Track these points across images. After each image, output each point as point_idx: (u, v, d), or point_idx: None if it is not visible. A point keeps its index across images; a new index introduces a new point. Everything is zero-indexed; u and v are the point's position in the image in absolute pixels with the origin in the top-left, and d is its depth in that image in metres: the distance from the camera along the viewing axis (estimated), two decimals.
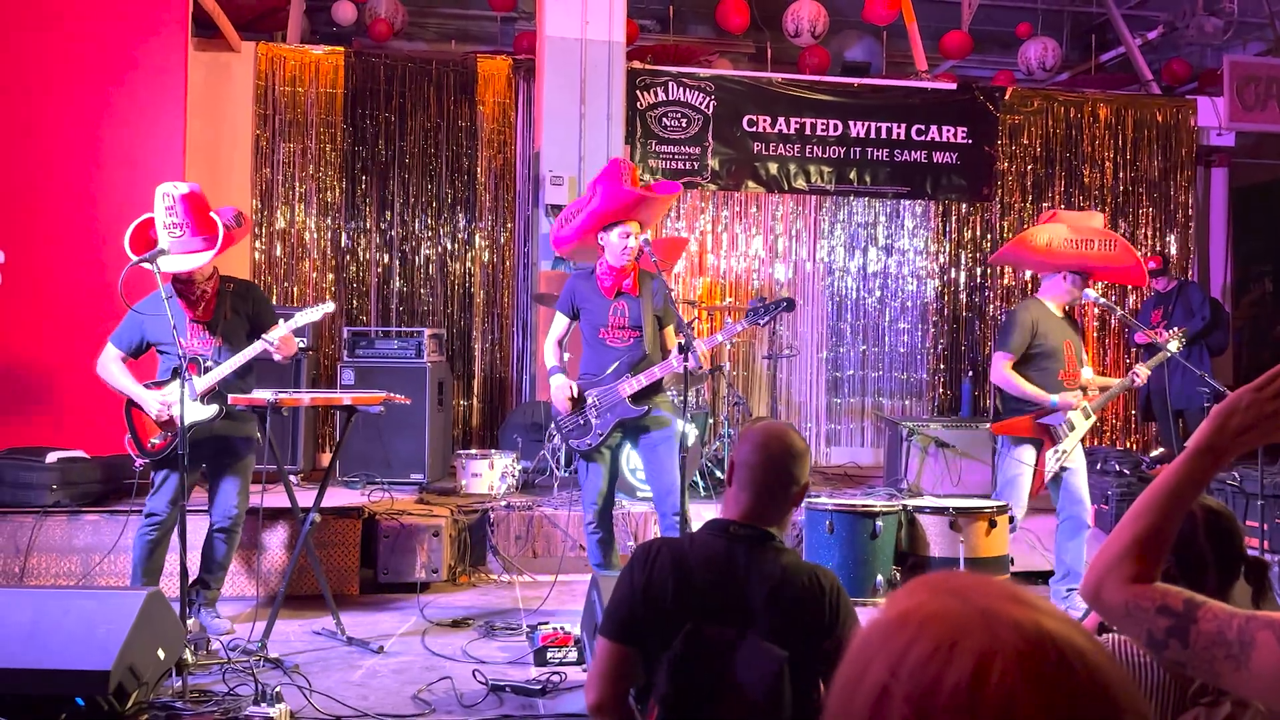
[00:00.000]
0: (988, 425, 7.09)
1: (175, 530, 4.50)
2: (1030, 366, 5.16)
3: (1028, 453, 5.16)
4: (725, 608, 2.26)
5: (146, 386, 4.74)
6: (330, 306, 5.01)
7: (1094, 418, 5.20)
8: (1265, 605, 2.07)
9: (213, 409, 4.66)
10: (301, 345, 5.13)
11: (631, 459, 6.27)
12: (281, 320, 4.80)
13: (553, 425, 5.14)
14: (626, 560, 2.44)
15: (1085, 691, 0.74)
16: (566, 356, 5.88)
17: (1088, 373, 5.30)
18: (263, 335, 4.64)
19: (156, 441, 4.72)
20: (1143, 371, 5.23)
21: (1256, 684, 1.33)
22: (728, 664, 2.18)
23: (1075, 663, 0.75)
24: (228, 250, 4.70)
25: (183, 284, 4.69)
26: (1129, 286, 9.49)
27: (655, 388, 4.89)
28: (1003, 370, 5.15)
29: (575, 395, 4.88)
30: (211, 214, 4.66)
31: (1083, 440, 5.24)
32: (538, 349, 8.16)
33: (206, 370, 4.63)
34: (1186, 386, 7.23)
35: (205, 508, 4.98)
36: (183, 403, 4.19)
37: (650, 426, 4.88)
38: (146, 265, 4.37)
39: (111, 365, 4.76)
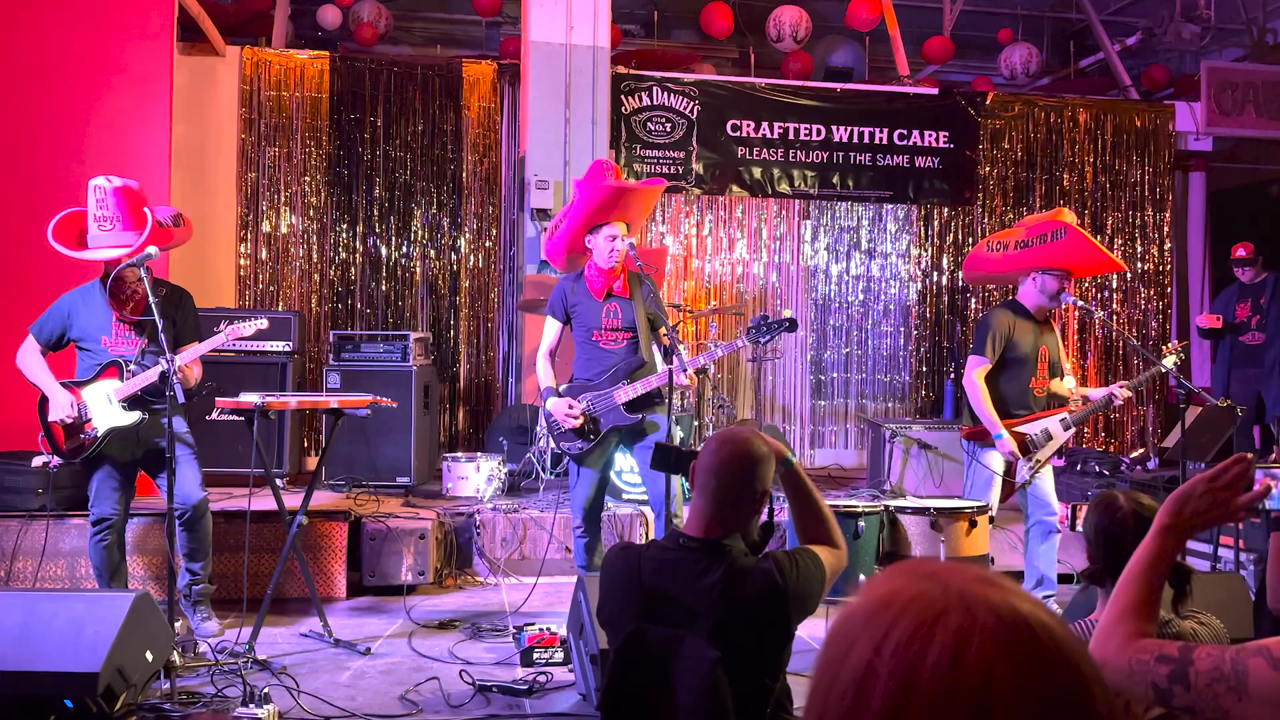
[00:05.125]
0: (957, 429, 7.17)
1: (166, 531, 4.53)
2: (1003, 373, 5.05)
3: (996, 459, 5.02)
4: (671, 611, 2.33)
5: (66, 385, 4.65)
6: (263, 323, 4.81)
7: (1073, 429, 5.07)
8: (1184, 608, 2.16)
9: (134, 415, 4.59)
10: (210, 385, 4.77)
11: (617, 461, 6.31)
12: (194, 345, 4.66)
13: (543, 424, 5.08)
14: None
15: (1057, 667, 0.79)
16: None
17: (1069, 382, 5.17)
18: (168, 356, 4.22)
19: (73, 444, 4.64)
20: (1121, 394, 5.04)
21: (1258, 711, 1.41)
22: (665, 665, 2.22)
23: (1046, 641, 0.79)
24: (171, 249, 4.68)
25: (114, 282, 4.60)
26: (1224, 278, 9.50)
27: (650, 395, 4.79)
28: (974, 377, 5.02)
29: (579, 421, 4.73)
30: (145, 210, 4.60)
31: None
32: (524, 353, 8.19)
33: (130, 374, 4.56)
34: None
35: (152, 512, 4.95)
36: (170, 402, 4.21)
37: (647, 431, 4.81)
38: (135, 264, 4.41)
39: (30, 358, 4.69)
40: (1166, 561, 1.65)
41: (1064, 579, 5.29)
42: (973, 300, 9.53)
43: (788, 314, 4.87)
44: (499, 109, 8.78)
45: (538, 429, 6.87)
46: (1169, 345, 5.37)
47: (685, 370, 4.52)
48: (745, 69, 10.39)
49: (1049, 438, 5.03)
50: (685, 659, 2.19)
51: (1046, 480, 5.07)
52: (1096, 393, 5.22)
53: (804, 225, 9.37)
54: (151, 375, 4.50)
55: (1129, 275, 9.67)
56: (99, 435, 4.61)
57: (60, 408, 4.58)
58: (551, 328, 4.93)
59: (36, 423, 4.74)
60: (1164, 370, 5.15)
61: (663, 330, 4.89)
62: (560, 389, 4.87)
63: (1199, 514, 1.64)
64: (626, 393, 4.72)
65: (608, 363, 4.80)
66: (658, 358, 4.86)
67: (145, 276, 4.47)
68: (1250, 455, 1.67)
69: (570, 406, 4.74)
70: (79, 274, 4.97)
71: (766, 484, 2.42)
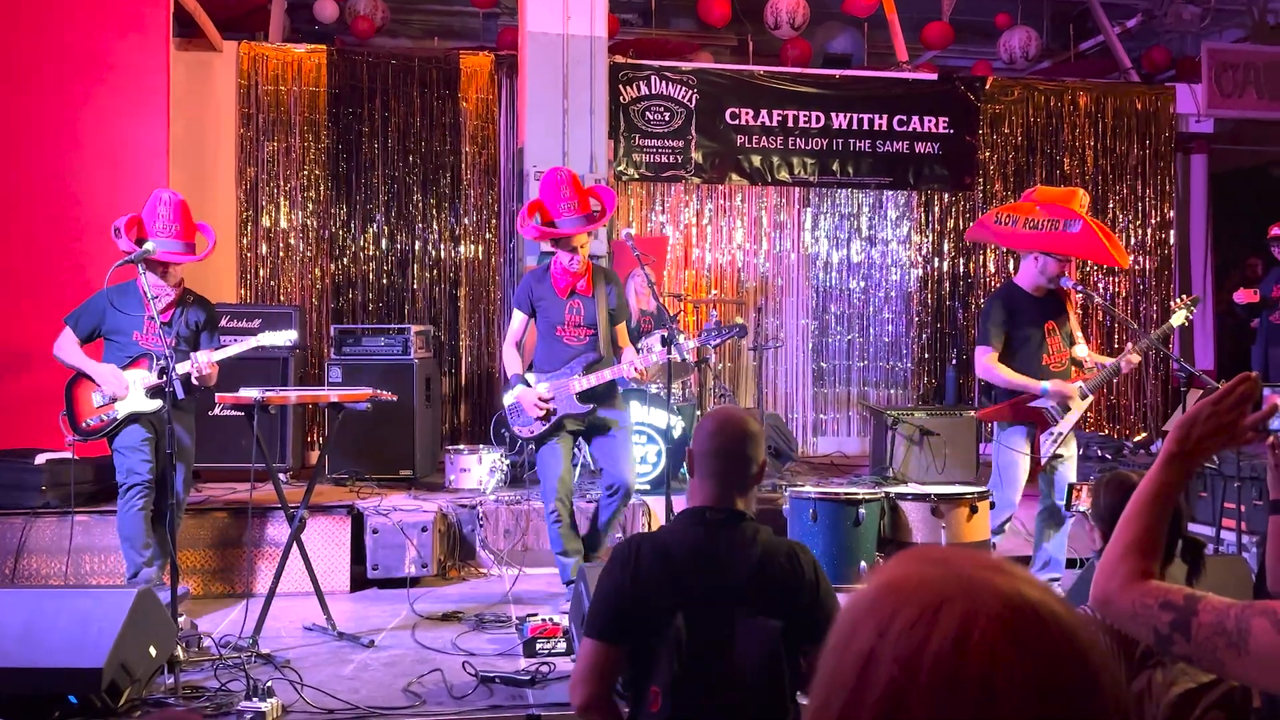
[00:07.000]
0: (972, 413, 7.15)
1: (169, 525, 4.57)
2: (1013, 358, 5.02)
3: (1018, 438, 5.01)
4: (714, 592, 2.34)
5: None
6: (293, 335, 5.14)
7: (1090, 398, 5.04)
8: (1199, 584, 2.16)
9: (155, 403, 4.86)
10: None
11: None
12: (209, 351, 4.95)
13: (505, 408, 5.30)
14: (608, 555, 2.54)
15: (1063, 654, 0.78)
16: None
17: (1082, 350, 5.12)
18: (193, 353, 4.84)
19: (93, 423, 4.89)
20: (1133, 356, 5.03)
21: (1256, 669, 1.41)
22: (727, 644, 2.26)
23: (1053, 627, 0.78)
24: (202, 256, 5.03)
25: (154, 285, 4.84)
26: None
27: (604, 389, 5.08)
28: (985, 363, 5.01)
29: (545, 411, 5.04)
30: (197, 223, 4.96)
31: (1076, 424, 5.04)
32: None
33: (158, 368, 4.78)
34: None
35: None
36: (170, 398, 4.22)
37: (601, 425, 5.09)
38: (132, 260, 4.58)
39: (70, 348, 4.94)
40: (1173, 492, 1.60)
41: (1068, 563, 5.29)
42: (975, 286, 9.51)
43: (739, 320, 5.16)
44: (497, 100, 8.76)
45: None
46: (1179, 300, 5.33)
47: (635, 366, 4.97)
48: (744, 57, 10.36)
49: (1066, 409, 5.01)
50: (749, 636, 2.24)
51: (1070, 463, 5.09)
52: (1110, 360, 5.20)
53: (804, 213, 9.36)
54: (227, 352, 4.89)
55: (1131, 259, 9.65)
56: (118, 417, 4.87)
57: (111, 382, 4.84)
58: (518, 319, 5.25)
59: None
60: (1174, 328, 5.15)
61: (624, 326, 5.24)
62: (526, 376, 5.17)
63: (1206, 438, 1.58)
64: (580, 383, 5.01)
65: (567, 355, 5.10)
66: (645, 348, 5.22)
67: (169, 281, 4.84)
68: (1255, 374, 1.61)
69: (539, 400, 5.02)
70: (75, 273, 5.03)
71: (763, 456, 2.50)
